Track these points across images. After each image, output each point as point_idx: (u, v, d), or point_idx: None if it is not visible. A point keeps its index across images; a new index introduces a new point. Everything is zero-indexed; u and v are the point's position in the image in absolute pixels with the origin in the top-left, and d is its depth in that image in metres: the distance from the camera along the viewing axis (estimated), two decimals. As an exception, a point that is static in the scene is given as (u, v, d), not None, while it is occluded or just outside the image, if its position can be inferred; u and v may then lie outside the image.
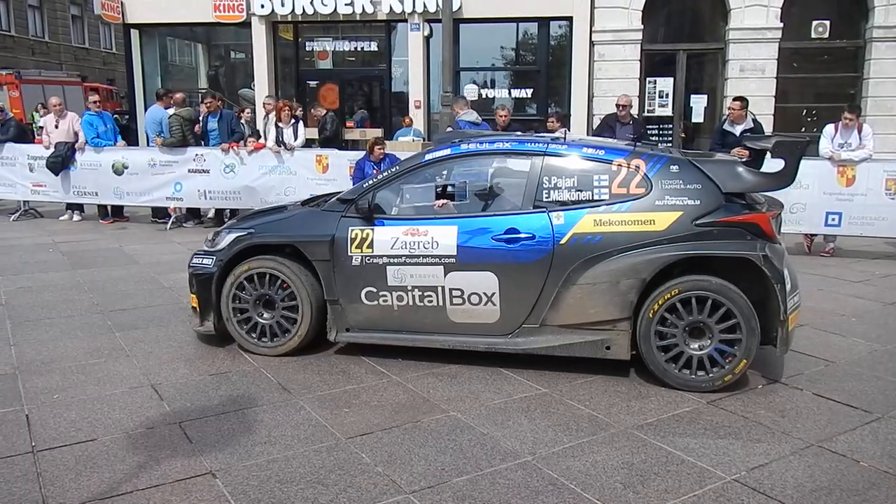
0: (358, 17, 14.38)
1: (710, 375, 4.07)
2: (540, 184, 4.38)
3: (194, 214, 10.65)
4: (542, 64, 14.59)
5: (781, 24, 13.02)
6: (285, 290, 4.63)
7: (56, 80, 25.28)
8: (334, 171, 9.40)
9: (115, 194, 10.18)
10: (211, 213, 10.69)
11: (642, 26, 13.47)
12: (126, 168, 10.02)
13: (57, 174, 10.12)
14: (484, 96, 14.61)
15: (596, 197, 4.28)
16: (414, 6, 13.88)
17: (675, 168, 4.26)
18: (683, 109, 13.85)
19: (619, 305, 4.16)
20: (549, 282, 4.23)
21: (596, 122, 11.90)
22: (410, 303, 4.47)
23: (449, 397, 4.00)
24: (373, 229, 4.51)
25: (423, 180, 4.79)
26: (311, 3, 14.23)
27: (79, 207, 10.73)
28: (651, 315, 4.11)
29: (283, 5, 14.37)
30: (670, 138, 13.68)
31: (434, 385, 4.19)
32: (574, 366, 4.42)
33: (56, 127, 10.15)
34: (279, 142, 9.66)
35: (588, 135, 11.92)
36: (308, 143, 10.21)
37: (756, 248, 4.01)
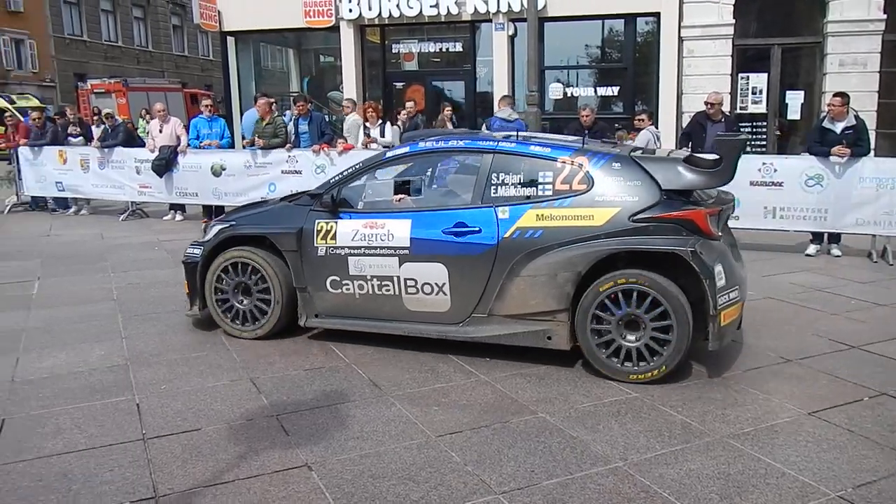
0: (443, 19, 14.48)
1: (644, 366, 4.17)
2: (489, 180, 4.57)
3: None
4: (629, 61, 14.28)
5: (885, 16, 12.28)
6: (260, 278, 5.00)
7: (159, 87, 26.66)
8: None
9: (213, 195, 10.63)
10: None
11: (734, 20, 12.98)
12: (224, 170, 10.46)
13: (161, 176, 10.69)
14: (569, 95, 14.45)
15: (540, 193, 4.45)
16: (498, 6, 13.86)
17: (616, 165, 4.39)
18: (778, 106, 13.26)
19: (557, 297, 4.30)
20: (494, 273, 4.42)
21: (685, 120, 11.56)
22: (370, 291, 4.75)
23: (537, 398, 4.00)
24: (336, 222, 4.82)
25: (383, 176, 5.16)
26: (398, 5, 14.44)
27: (181, 207, 11.28)
28: (586, 307, 4.23)
29: (370, 9, 14.65)
30: (764, 136, 13.14)
31: (522, 386, 4.19)
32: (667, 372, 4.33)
33: (160, 131, 10.71)
34: (366, 145, 9.87)
35: (678, 134, 11.62)
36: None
37: (686, 243, 4.09)
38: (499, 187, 4.55)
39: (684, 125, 10.38)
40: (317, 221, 4.86)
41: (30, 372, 4.46)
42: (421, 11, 14.36)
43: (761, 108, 13.26)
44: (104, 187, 11.41)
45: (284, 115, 11.44)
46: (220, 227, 5.28)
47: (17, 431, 3.60)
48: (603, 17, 14.15)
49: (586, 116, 9.11)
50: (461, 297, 4.53)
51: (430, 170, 5.33)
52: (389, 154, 5.16)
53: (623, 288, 4.16)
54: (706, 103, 8.64)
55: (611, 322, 4.21)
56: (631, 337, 4.21)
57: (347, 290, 4.81)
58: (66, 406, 3.92)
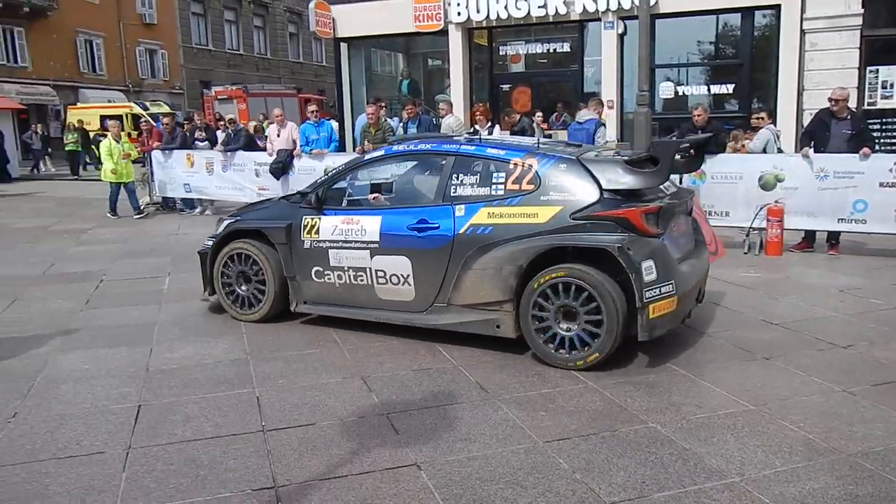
0: (551, 19, 14.37)
1: (577, 354, 4.44)
2: (450, 180, 4.95)
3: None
4: (745, 57, 13.64)
5: None
6: (258, 268, 5.56)
7: (276, 92, 27.91)
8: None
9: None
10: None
11: (862, 10, 12.13)
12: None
13: (278, 179, 11.20)
14: (680, 94, 13.99)
15: (493, 192, 4.79)
16: (608, 4, 13.61)
17: (563, 167, 4.69)
18: (914, 101, 12.29)
19: (503, 289, 4.64)
20: (450, 266, 4.81)
21: (807, 118, 10.92)
22: (347, 281, 5.24)
23: (648, 408, 3.91)
24: (320, 218, 5.32)
25: (363, 177, 5.70)
26: (505, 7, 14.46)
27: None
28: (528, 297, 4.54)
29: (478, 11, 14.74)
30: (895, 134, 12.21)
31: (631, 394, 4.11)
32: (783, 382, 4.13)
33: (278, 136, 11.23)
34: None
35: (798, 133, 11.01)
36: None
37: (616, 239, 4.35)
38: (458, 187, 4.93)
39: (805, 123, 9.80)
40: (304, 217, 5.39)
41: (162, 362, 4.80)
42: (529, 12, 14.31)
43: (892, 104, 12.34)
44: (226, 189, 12.09)
45: (392, 120, 11.71)
46: (228, 221, 5.91)
47: (151, 417, 3.88)
48: (718, 12, 13.60)
49: (699, 116, 8.81)
50: (424, 287, 4.94)
51: (404, 171, 5.82)
52: (367, 157, 5.72)
53: (560, 281, 4.46)
54: (830, 100, 8.14)
55: (549, 311, 4.50)
56: (566, 326, 4.50)
57: (329, 279, 5.32)
58: (194, 395, 4.19)
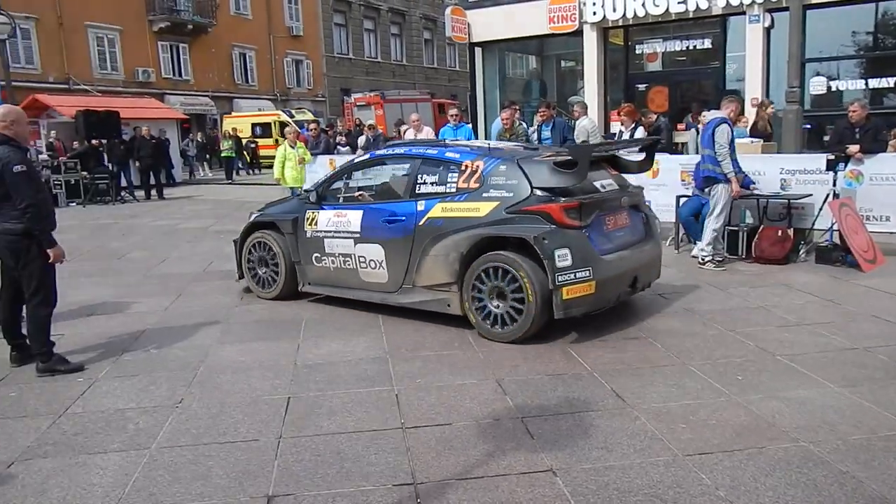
0: (691, 15, 13.85)
1: (509, 328, 5.20)
2: (416, 180, 5.79)
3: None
4: (911, 46, 12.50)
5: None
6: (272, 253, 6.62)
7: (411, 98, 28.70)
8: (664, 176, 9.18)
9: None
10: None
11: None
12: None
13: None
14: (833, 89, 13.03)
15: (447, 189, 5.58)
16: (755, -4, 12.93)
17: (503, 167, 5.40)
18: None
19: (450, 273, 5.44)
20: (413, 253, 5.63)
21: None
22: (339, 266, 6.18)
23: (798, 425, 3.69)
24: (318, 212, 6.32)
25: (353, 177, 6.70)
26: (643, 5, 14.10)
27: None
28: (468, 280, 5.34)
29: (614, 10, 14.48)
30: None
31: (780, 410, 3.89)
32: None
33: (416, 139, 11.55)
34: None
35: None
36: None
37: (535, 231, 5.04)
38: (422, 185, 5.74)
39: None
40: (307, 211, 6.40)
41: (308, 357, 5.09)
42: (667, 9, 13.88)
43: None
44: (364, 192, 12.57)
45: (524, 124, 11.70)
46: (255, 215, 6.93)
47: (300, 409, 4.13)
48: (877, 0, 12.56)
49: (855, 112, 8.18)
50: (394, 271, 5.80)
51: (385, 172, 6.76)
52: (358, 160, 6.86)
53: (491, 265, 5.24)
54: None
55: (484, 292, 5.29)
56: (497, 304, 5.26)
57: (325, 264, 6.28)
58: (338, 391, 4.41)
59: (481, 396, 4.26)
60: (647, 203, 6.44)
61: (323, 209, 6.29)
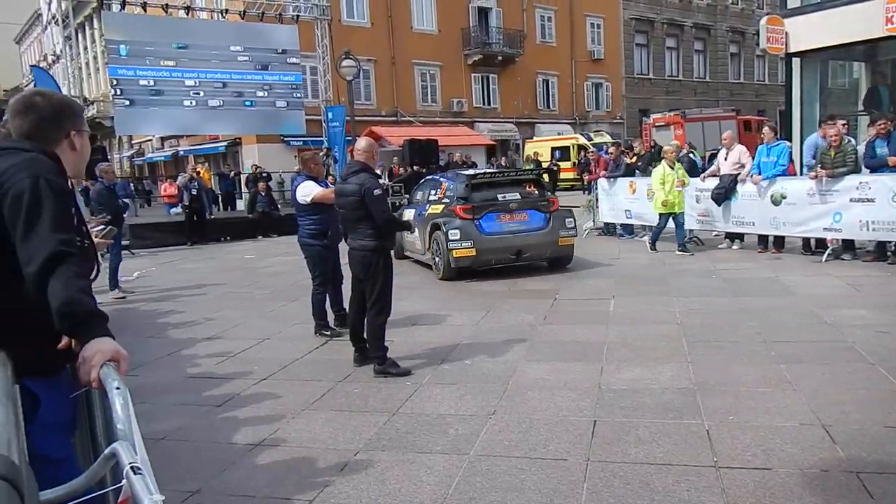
0: None
1: (440, 274, 10.02)
2: (429, 192, 10.96)
3: (849, 247, 9.91)
4: None
5: None
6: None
7: (714, 116, 27.23)
8: None
9: (771, 224, 10.37)
10: (870, 246, 9.78)
11: None
12: (784, 198, 10.09)
13: (719, 205, 10.93)
14: None
15: (434, 197, 10.62)
16: None
17: (451, 185, 10.41)
18: None
19: (426, 240, 10.17)
20: (425, 230, 10.03)
21: None
22: (412, 241, 10.92)
23: None
24: (405, 211, 11.43)
25: (419, 189, 11.82)
26: None
27: (738, 237, 11.30)
28: (431, 242, 10.24)
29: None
30: None
31: None
32: None
33: (725, 159, 10.94)
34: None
35: None
36: None
37: (443, 219, 9.84)
38: (430, 194, 10.84)
39: None
40: (405, 211, 11.44)
41: (612, 381, 5.10)
42: None
43: None
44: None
45: (852, 140, 10.39)
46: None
47: (606, 434, 4.16)
48: None
49: None
50: (423, 241, 10.18)
51: (430, 186, 11.27)
52: (423, 180, 12.44)
53: (435, 234, 9.87)
54: None
55: (434, 250, 10.04)
56: (436, 258, 9.96)
57: (411, 241, 10.97)
58: (644, 419, 4.35)
59: (805, 442, 3.88)
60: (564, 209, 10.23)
61: (408, 209, 11.52)
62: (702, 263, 10.14)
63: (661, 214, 11.19)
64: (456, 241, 9.18)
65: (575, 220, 10.15)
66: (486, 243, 9.29)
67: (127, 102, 19.87)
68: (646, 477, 3.58)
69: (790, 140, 15.65)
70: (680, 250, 10.97)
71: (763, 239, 10.78)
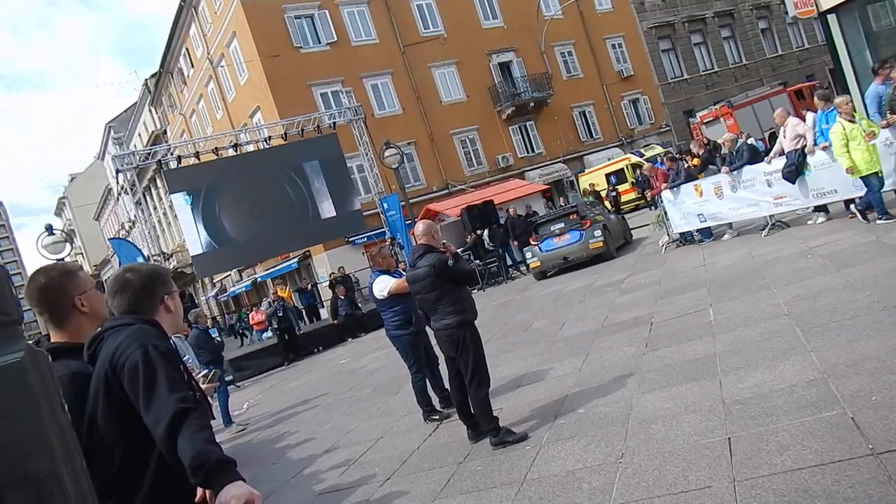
0: None
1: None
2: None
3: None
4: None
5: None
6: None
7: (761, 96, 26.55)
8: None
9: (855, 186, 9.84)
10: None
11: None
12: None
13: (793, 182, 10.49)
14: None
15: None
16: None
17: None
18: None
19: None
20: None
21: None
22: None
23: None
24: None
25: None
26: None
27: (823, 209, 10.77)
28: None
29: None
30: None
31: None
32: None
33: (784, 137, 10.57)
34: None
35: None
36: None
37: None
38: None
39: None
40: None
41: (735, 393, 4.84)
42: None
43: None
44: (741, 208, 11.82)
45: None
46: None
47: (744, 449, 3.93)
48: None
49: None
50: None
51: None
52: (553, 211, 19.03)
53: None
54: None
55: None
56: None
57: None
58: (780, 423, 4.09)
59: (965, 406, 3.56)
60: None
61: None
62: (793, 246, 9.67)
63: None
64: (530, 258, 16.34)
65: (603, 229, 15.36)
66: (545, 256, 15.89)
67: (201, 249, 20.93)
68: (801, 483, 3.34)
69: (849, 94, 15.03)
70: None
71: (850, 204, 10.23)
